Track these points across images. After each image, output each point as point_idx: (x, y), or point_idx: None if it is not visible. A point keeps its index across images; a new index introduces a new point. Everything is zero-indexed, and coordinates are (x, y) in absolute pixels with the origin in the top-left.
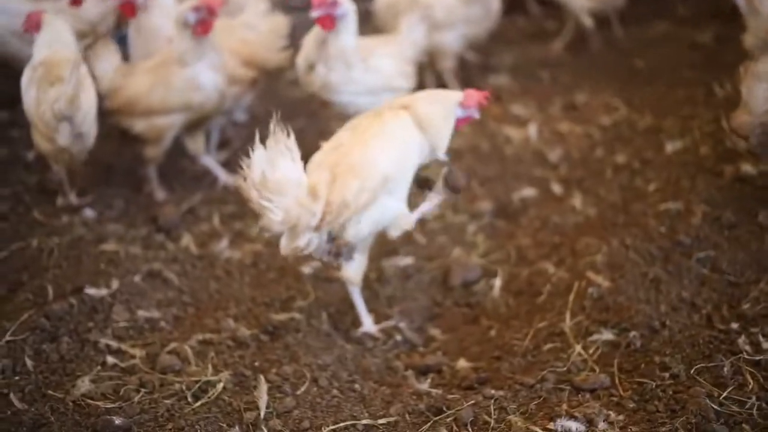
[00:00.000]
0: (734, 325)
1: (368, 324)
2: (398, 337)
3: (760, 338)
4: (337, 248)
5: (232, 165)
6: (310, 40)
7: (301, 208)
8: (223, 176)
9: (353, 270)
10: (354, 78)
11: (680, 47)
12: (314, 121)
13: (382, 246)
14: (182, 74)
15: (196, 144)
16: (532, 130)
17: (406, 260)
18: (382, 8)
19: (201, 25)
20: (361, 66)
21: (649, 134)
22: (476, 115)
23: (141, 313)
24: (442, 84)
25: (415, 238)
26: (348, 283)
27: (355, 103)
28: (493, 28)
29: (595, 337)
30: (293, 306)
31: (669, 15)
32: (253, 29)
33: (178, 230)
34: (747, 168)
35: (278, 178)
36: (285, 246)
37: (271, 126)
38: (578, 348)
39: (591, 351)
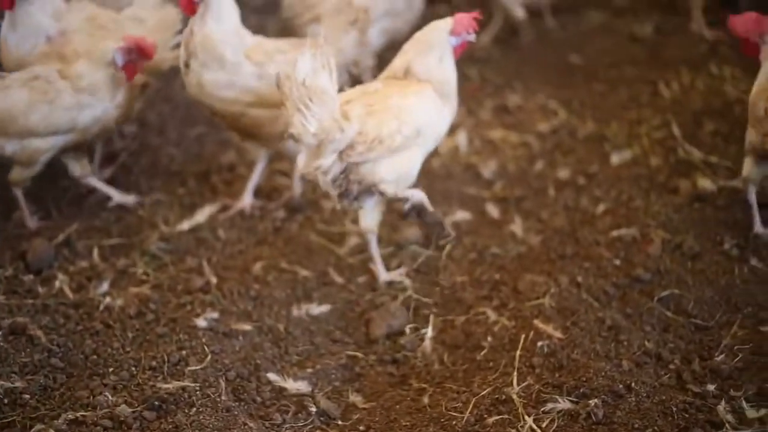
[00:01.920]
0: (710, 387)
1: (384, 273)
2: (312, 408)
3: (744, 404)
4: (348, 186)
5: (119, 181)
6: (186, 32)
7: (334, 123)
8: (117, 195)
9: (370, 219)
10: (238, 82)
11: (619, 40)
12: (214, 129)
13: (293, 291)
14: (70, 91)
15: (81, 166)
16: (462, 138)
17: (320, 308)
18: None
19: (128, 68)
20: (250, 69)
21: (592, 142)
22: (471, 38)
23: None
24: (358, 82)
25: (332, 278)
26: (365, 232)
27: (249, 115)
28: (416, 22)
29: (549, 406)
30: (185, 371)
31: (605, 4)
32: (142, 23)
33: (50, 269)
34: (705, 183)
35: (319, 85)
36: (305, 164)
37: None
38: (530, 421)
39: (545, 424)
